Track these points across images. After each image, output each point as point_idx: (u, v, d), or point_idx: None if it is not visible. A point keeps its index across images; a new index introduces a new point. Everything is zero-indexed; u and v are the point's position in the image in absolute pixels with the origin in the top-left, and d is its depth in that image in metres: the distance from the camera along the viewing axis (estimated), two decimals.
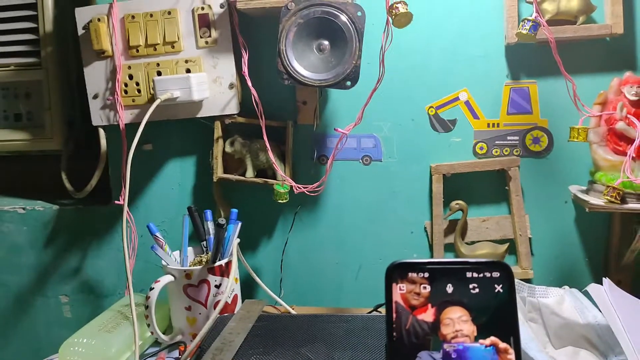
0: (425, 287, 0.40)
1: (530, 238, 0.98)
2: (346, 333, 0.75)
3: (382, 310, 0.90)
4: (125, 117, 0.98)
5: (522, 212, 0.96)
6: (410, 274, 0.40)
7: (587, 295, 0.73)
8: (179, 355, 0.82)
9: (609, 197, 0.82)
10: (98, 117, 1.00)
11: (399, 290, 0.40)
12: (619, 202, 0.82)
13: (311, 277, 1.05)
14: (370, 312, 0.89)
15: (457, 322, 0.39)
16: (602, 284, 0.78)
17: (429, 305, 0.40)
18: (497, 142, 0.97)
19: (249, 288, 1.03)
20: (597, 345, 0.63)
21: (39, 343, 1.12)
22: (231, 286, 0.84)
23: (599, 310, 0.66)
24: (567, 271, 0.97)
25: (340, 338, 0.73)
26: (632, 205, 0.82)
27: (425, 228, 1.01)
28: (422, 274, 0.40)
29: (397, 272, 0.41)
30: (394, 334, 0.39)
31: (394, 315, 0.39)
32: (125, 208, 0.90)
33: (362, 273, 1.03)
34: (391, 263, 0.41)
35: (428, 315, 0.39)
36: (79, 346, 0.76)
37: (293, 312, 0.94)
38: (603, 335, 0.63)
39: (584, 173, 0.94)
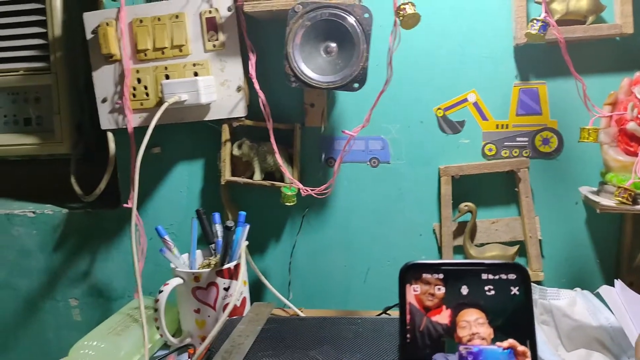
0: (440, 289, 0.39)
1: (540, 240, 0.97)
2: (355, 335, 0.75)
3: (392, 312, 0.89)
4: (133, 120, 0.98)
5: (532, 213, 0.95)
6: (424, 275, 0.40)
7: (598, 297, 0.73)
8: (189, 357, 0.81)
9: (620, 198, 0.81)
10: (107, 120, 1.00)
11: (413, 291, 0.40)
12: (630, 203, 0.81)
13: (319, 279, 1.04)
14: (379, 315, 0.89)
15: (474, 325, 0.38)
16: (613, 286, 0.77)
17: (444, 307, 0.39)
18: (506, 143, 0.97)
19: (257, 291, 1.03)
20: (610, 348, 0.62)
21: (48, 346, 1.13)
22: (240, 289, 0.84)
23: (612, 312, 0.66)
24: (578, 273, 0.96)
25: (349, 340, 0.73)
26: None
27: (434, 230, 1.01)
28: (436, 275, 0.40)
29: (411, 272, 0.40)
30: (408, 335, 0.38)
31: (408, 316, 0.39)
32: (134, 211, 0.90)
33: (370, 275, 1.03)
34: (405, 264, 0.41)
35: (443, 317, 0.39)
36: (88, 349, 0.76)
37: (302, 314, 0.94)
38: (616, 338, 0.62)
39: (594, 174, 0.93)
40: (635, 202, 0.82)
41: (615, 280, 0.78)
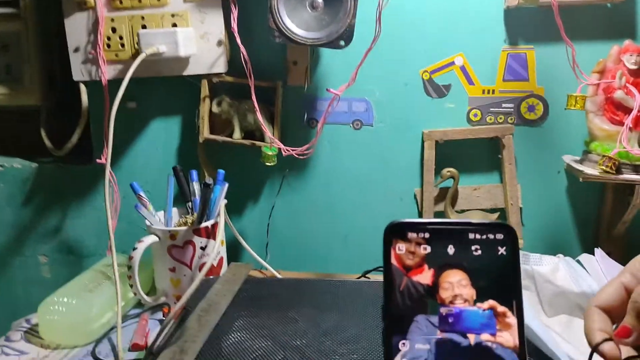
0: (425, 248, 0.38)
1: (521, 208, 0.97)
2: (334, 297, 0.74)
3: (371, 276, 0.88)
4: (108, 72, 0.93)
5: (514, 181, 0.95)
6: (409, 234, 0.38)
7: (581, 265, 0.73)
8: (163, 316, 0.80)
9: (604, 167, 0.81)
10: (79, 71, 0.96)
11: (397, 250, 0.38)
12: (614, 172, 0.81)
13: (298, 242, 1.03)
14: (358, 278, 0.88)
15: (457, 286, 0.37)
16: (593, 255, 0.77)
17: (426, 266, 0.38)
18: (491, 109, 0.95)
19: (234, 252, 1.01)
20: None
21: (16, 302, 1.10)
22: (217, 248, 0.82)
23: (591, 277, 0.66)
24: (557, 241, 0.97)
25: (328, 302, 0.72)
26: (627, 175, 0.81)
27: (415, 195, 0.99)
28: (422, 234, 0.38)
29: (396, 231, 0.38)
30: (391, 295, 0.37)
31: (392, 275, 0.37)
32: (108, 167, 0.87)
33: (350, 239, 1.02)
34: (391, 222, 0.39)
35: (425, 278, 0.38)
36: (59, 305, 0.73)
37: (279, 276, 0.93)
38: None
39: (578, 143, 0.92)
40: (619, 171, 0.81)
41: (595, 248, 0.78)
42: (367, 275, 0.88)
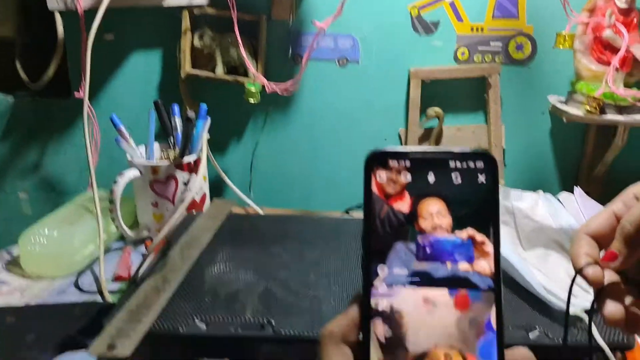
0: (405, 176, 0.37)
1: (504, 149, 0.97)
2: (317, 233, 0.75)
3: (353, 213, 0.89)
4: (83, 1, 0.90)
5: (499, 121, 0.95)
6: (391, 162, 0.38)
7: (561, 203, 0.74)
8: (146, 250, 0.80)
9: (588, 108, 0.81)
10: (54, 0, 0.91)
11: (378, 178, 0.38)
12: (598, 112, 0.81)
13: (281, 180, 1.03)
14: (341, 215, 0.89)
15: (436, 216, 0.37)
16: (573, 194, 0.78)
17: (407, 195, 0.37)
18: (479, 47, 0.94)
19: (217, 189, 1.01)
20: (567, 249, 0.63)
21: None
22: (199, 184, 0.81)
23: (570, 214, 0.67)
24: (538, 182, 0.98)
25: (311, 237, 0.73)
26: (611, 116, 0.82)
27: (399, 135, 0.99)
28: (403, 163, 0.37)
29: (378, 159, 0.38)
30: (371, 223, 0.37)
31: (371, 202, 0.37)
32: (86, 101, 0.84)
33: (333, 178, 1.02)
34: (372, 150, 0.38)
35: (404, 206, 0.37)
36: (39, 236, 0.73)
37: (262, 213, 0.93)
38: None
39: (564, 84, 0.92)
40: (603, 112, 0.82)
41: (575, 187, 0.79)
42: (349, 212, 0.89)
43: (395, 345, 0.34)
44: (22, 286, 0.70)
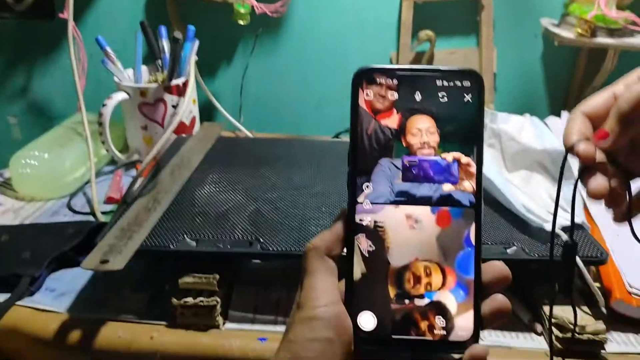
0: (392, 94, 0.38)
1: (495, 73, 0.96)
2: (307, 156, 0.75)
3: (343, 137, 0.89)
4: None
5: (491, 44, 0.93)
6: (378, 79, 0.38)
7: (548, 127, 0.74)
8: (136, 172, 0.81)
9: (580, 30, 0.80)
10: None
11: (365, 96, 0.38)
12: (589, 35, 0.80)
13: (272, 105, 1.02)
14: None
15: (425, 134, 0.37)
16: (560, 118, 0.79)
17: (395, 110, 0.38)
18: None
19: (208, 114, 1.00)
20: (550, 170, 0.64)
21: None
22: (189, 106, 0.81)
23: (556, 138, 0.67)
24: (528, 107, 0.97)
25: (301, 160, 0.74)
26: (602, 39, 0.81)
27: (390, 59, 0.98)
28: (390, 80, 0.38)
29: (365, 76, 0.38)
30: (357, 138, 0.37)
31: (359, 118, 0.37)
32: (71, 22, 0.83)
33: (323, 102, 1.01)
34: (359, 67, 0.38)
35: (392, 121, 0.38)
36: (31, 158, 0.73)
37: (252, 136, 0.93)
38: (557, 161, 0.64)
39: (558, 7, 0.90)
40: (594, 34, 0.81)
41: (562, 111, 0.80)
42: (339, 136, 0.89)
43: (377, 259, 0.36)
44: (15, 207, 0.71)
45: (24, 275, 0.54)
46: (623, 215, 0.39)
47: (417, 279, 0.35)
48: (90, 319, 0.51)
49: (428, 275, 0.35)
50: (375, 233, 0.36)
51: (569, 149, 0.36)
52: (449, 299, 0.34)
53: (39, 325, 0.50)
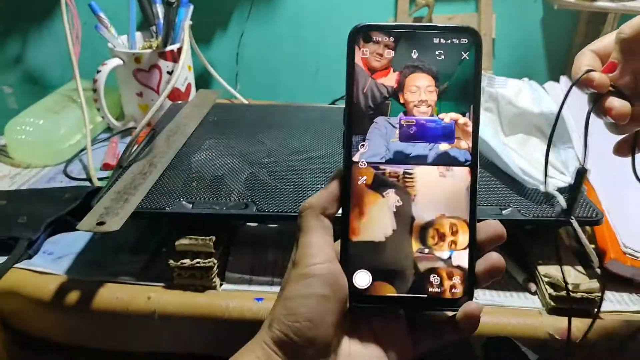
0: (389, 52, 0.37)
1: (493, 39, 0.95)
2: (303, 122, 0.75)
3: (340, 104, 0.89)
4: None
5: (490, 9, 0.92)
6: (374, 37, 0.37)
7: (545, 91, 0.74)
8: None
9: None
10: None
11: (362, 54, 0.37)
12: None
13: (268, 73, 1.02)
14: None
15: (424, 92, 0.37)
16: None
17: (391, 69, 0.37)
18: None
19: (204, 82, 1.00)
20: (547, 133, 0.64)
21: None
22: (184, 73, 0.80)
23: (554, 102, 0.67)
24: (527, 72, 0.96)
25: (297, 126, 0.73)
26: (602, 3, 0.80)
27: None
28: (387, 37, 0.37)
29: (361, 34, 0.37)
30: (354, 96, 0.37)
31: (355, 76, 0.37)
32: None
33: (320, 70, 1.01)
34: (355, 25, 0.38)
35: (389, 80, 0.37)
36: (26, 125, 0.73)
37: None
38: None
39: None
40: None
41: (561, 76, 0.79)
42: (336, 103, 0.89)
43: (402, 214, 0.36)
44: (11, 174, 0.71)
45: (22, 238, 0.54)
46: (628, 148, 0.41)
47: (441, 236, 0.35)
48: (88, 281, 0.51)
49: (452, 232, 0.35)
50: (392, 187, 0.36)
51: (576, 81, 0.38)
52: (442, 256, 0.34)
53: (37, 287, 0.51)
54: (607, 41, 0.40)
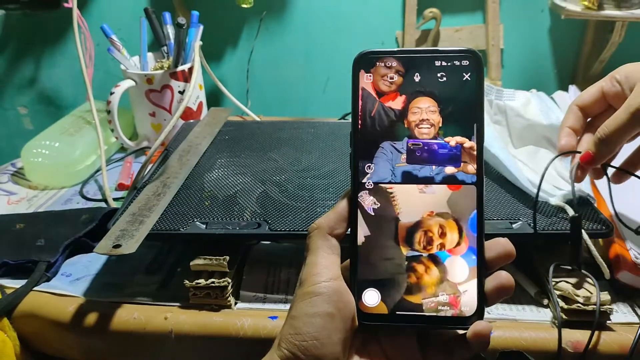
0: (393, 77, 0.38)
1: (502, 49, 0.96)
2: (314, 138, 0.76)
3: (349, 118, 0.90)
4: None
5: (497, 20, 0.93)
6: (378, 63, 0.38)
7: (554, 102, 0.74)
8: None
9: (587, 3, 0.79)
10: None
11: (365, 79, 0.38)
12: (595, 8, 0.79)
13: (278, 88, 1.03)
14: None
15: (425, 112, 0.38)
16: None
17: (398, 93, 0.38)
18: None
19: (215, 99, 1.01)
20: (557, 145, 0.64)
21: (1, 154, 1.11)
22: (195, 92, 0.82)
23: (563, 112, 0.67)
24: (536, 82, 0.97)
25: (308, 142, 0.74)
26: (609, 12, 0.80)
27: (396, 38, 0.98)
28: (390, 63, 0.38)
29: (365, 60, 0.38)
30: (359, 121, 0.38)
31: (360, 102, 0.38)
32: (75, 10, 0.83)
33: (330, 84, 1.02)
34: (359, 52, 0.39)
35: (396, 103, 0.38)
36: (42, 148, 0.75)
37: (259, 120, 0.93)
38: None
39: None
40: (601, 7, 0.80)
41: (569, 85, 0.79)
42: (346, 118, 0.89)
43: (385, 231, 0.36)
44: (29, 196, 0.73)
45: (40, 261, 0.55)
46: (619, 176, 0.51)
47: (429, 240, 0.35)
48: (105, 302, 0.52)
49: (441, 235, 0.35)
50: (384, 207, 0.36)
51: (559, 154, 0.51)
52: (453, 275, 0.35)
53: (56, 309, 0.52)
54: (591, 92, 0.49)
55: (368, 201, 0.36)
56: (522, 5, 0.93)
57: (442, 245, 0.35)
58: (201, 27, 0.83)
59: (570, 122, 0.51)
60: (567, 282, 0.49)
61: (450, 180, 0.36)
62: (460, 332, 0.35)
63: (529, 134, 0.66)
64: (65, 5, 0.88)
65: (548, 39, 0.95)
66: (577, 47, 0.95)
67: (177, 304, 0.53)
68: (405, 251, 0.35)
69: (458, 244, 0.35)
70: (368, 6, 0.95)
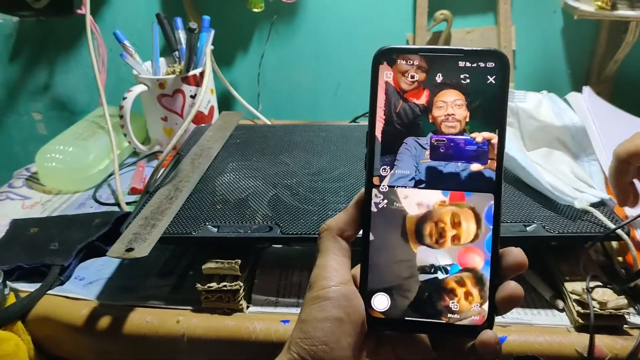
0: (414, 75, 0.37)
1: (514, 51, 0.95)
2: (324, 141, 0.76)
3: (361, 121, 0.89)
4: None
5: (509, 22, 0.92)
6: (399, 60, 0.37)
7: (566, 103, 0.73)
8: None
9: (600, 3, 0.78)
10: None
11: (385, 77, 0.37)
12: (609, 8, 0.78)
13: (289, 92, 1.03)
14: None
15: (451, 106, 0.36)
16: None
17: (422, 88, 0.37)
18: None
19: (226, 103, 1.01)
20: (570, 147, 0.64)
21: (16, 159, 1.12)
22: (207, 96, 0.82)
23: (576, 113, 0.67)
24: (549, 84, 0.96)
25: (319, 145, 0.74)
26: (622, 12, 0.79)
27: (407, 41, 0.97)
28: (412, 61, 0.37)
29: (386, 56, 0.37)
30: (383, 118, 0.37)
31: (384, 97, 0.37)
32: (89, 17, 0.84)
33: (341, 88, 1.01)
34: (380, 48, 0.38)
35: (420, 98, 0.37)
36: (56, 153, 0.75)
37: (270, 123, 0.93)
38: (577, 136, 0.63)
39: None
40: (614, 7, 0.79)
41: (583, 87, 0.78)
42: (356, 121, 0.89)
43: (394, 236, 0.36)
44: (43, 200, 0.73)
45: (54, 265, 0.56)
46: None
47: (441, 233, 0.34)
48: (119, 305, 0.53)
49: (454, 226, 0.35)
50: (393, 212, 0.36)
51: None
52: (465, 280, 0.34)
53: (69, 313, 0.52)
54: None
55: (381, 204, 0.36)
56: (534, 6, 0.93)
57: (457, 238, 0.34)
58: (212, 32, 0.84)
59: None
60: (582, 286, 0.48)
61: (476, 181, 0.35)
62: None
63: (542, 136, 0.65)
64: (78, 11, 0.89)
65: (561, 40, 0.94)
66: (590, 48, 0.94)
67: (190, 307, 0.53)
68: (416, 253, 0.35)
69: (476, 236, 0.34)
70: (378, 9, 0.95)
